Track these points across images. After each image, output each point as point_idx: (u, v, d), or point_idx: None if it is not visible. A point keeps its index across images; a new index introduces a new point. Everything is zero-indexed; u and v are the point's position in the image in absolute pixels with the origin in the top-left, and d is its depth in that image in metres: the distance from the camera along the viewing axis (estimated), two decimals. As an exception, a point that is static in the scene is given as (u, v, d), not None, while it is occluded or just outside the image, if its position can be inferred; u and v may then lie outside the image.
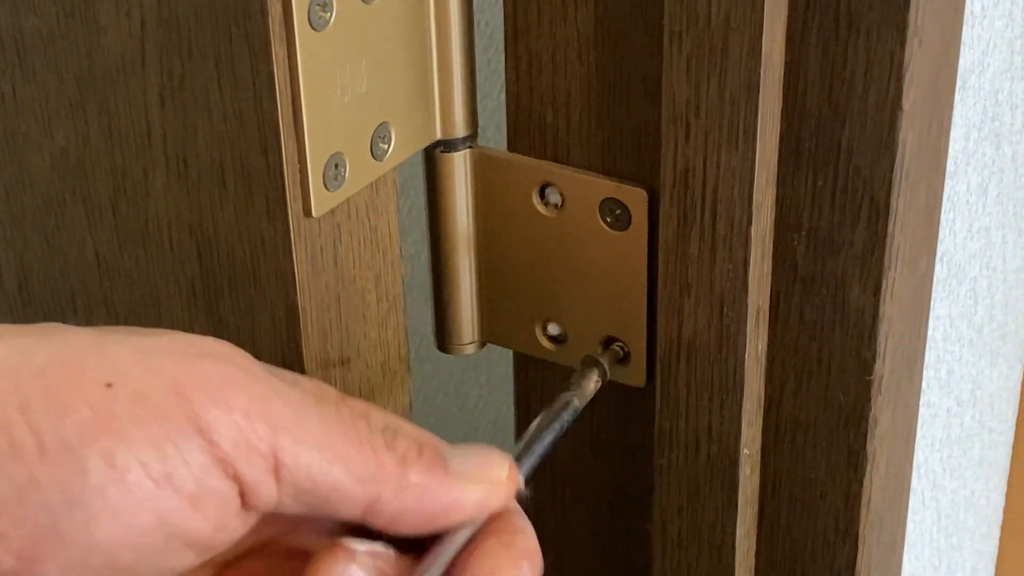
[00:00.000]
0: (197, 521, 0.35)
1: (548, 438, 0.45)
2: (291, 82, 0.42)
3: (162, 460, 0.34)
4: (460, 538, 0.38)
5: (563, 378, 0.49)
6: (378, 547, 0.37)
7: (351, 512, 0.37)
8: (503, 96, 0.54)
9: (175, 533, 0.34)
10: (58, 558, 0.33)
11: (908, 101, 0.42)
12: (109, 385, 0.34)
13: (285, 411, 0.36)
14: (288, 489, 0.36)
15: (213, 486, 0.34)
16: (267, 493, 0.35)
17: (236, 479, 0.35)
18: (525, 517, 0.39)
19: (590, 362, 0.49)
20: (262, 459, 0.35)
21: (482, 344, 0.54)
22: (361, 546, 0.37)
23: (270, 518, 0.37)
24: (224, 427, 0.34)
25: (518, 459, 0.43)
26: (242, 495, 0.35)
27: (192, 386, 0.35)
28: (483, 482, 0.38)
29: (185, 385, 0.34)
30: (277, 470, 0.35)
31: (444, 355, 0.55)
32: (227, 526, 0.35)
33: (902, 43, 0.41)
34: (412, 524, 0.37)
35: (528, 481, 0.43)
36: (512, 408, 0.56)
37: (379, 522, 0.37)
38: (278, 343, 0.46)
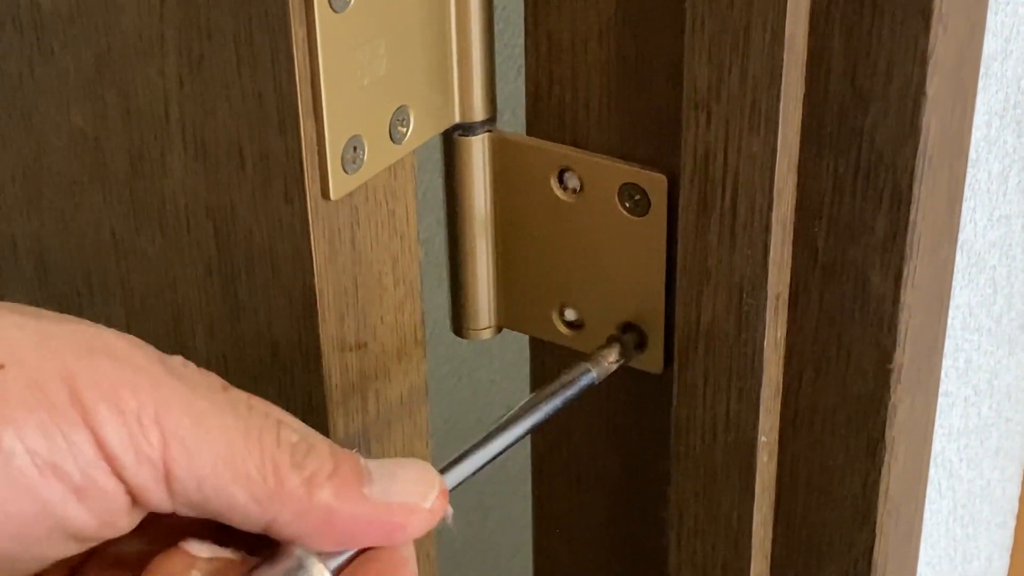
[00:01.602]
0: (83, 514, 0.34)
1: (553, 404, 0.45)
2: (310, 63, 0.42)
3: (49, 449, 0.33)
4: (339, 560, 0.36)
5: (569, 367, 0.49)
6: (223, 552, 0.36)
7: (250, 527, 0.35)
8: (520, 80, 0.54)
9: (59, 525, 0.34)
10: None
11: (932, 87, 0.42)
12: (1, 367, 0.33)
13: (183, 419, 0.34)
14: (181, 499, 0.34)
15: (100, 482, 0.33)
16: (158, 500, 0.34)
17: (123, 481, 0.34)
18: (411, 550, 0.37)
19: (612, 339, 0.48)
20: (151, 466, 0.34)
21: (498, 329, 0.54)
22: (203, 551, 0.36)
23: None
24: (113, 428, 0.33)
25: (518, 416, 0.43)
26: (131, 496, 0.34)
27: (86, 381, 0.33)
28: (403, 510, 0.36)
29: (79, 379, 0.33)
30: (168, 480, 0.34)
31: (457, 339, 0.55)
32: (115, 523, 0.35)
33: (927, 28, 0.41)
34: (319, 544, 0.36)
35: (530, 434, 0.42)
36: (524, 393, 0.56)
37: (282, 538, 0.36)
38: (294, 326, 0.46)
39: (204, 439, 0.34)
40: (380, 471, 0.37)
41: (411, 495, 0.37)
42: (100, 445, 0.33)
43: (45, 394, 0.33)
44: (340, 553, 0.36)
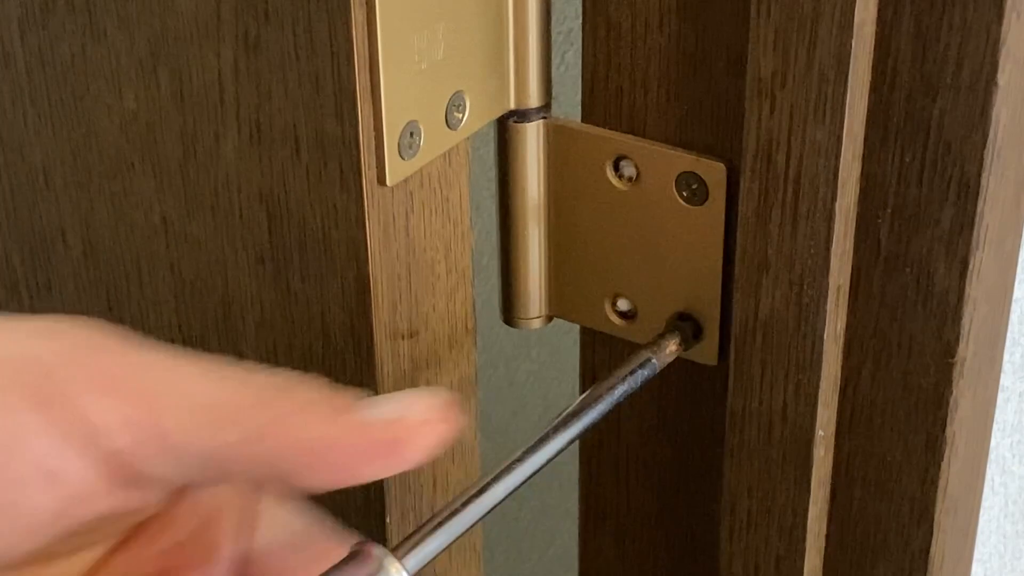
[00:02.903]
0: (50, 501, 0.33)
1: (618, 392, 0.45)
2: (369, 46, 0.41)
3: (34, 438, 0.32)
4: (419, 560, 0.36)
5: (631, 355, 0.48)
6: None
7: (254, 471, 0.34)
8: (563, 68, 0.53)
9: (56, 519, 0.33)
10: None
11: (1004, 76, 0.41)
12: None
13: (162, 378, 0.34)
14: (183, 461, 0.34)
15: (78, 466, 0.33)
16: (162, 468, 0.34)
17: (121, 457, 0.33)
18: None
19: (670, 327, 0.48)
20: (143, 431, 0.33)
21: (549, 319, 0.53)
22: None
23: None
24: (100, 408, 0.33)
25: (584, 407, 0.43)
26: (129, 472, 0.34)
27: (60, 365, 0.33)
28: (402, 426, 0.34)
29: (52, 364, 0.33)
30: (164, 442, 0.33)
31: (495, 329, 0.55)
32: (110, 500, 0.34)
33: (999, 16, 0.40)
34: (322, 478, 0.34)
35: (586, 439, 0.42)
36: (561, 385, 0.56)
37: (285, 480, 0.34)
38: (347, 313, 0.46)
39: (187, 392, 0.34)
40: (375, 399, 0.35)
41: (410, 411, 0.35)
42: (87, 424, 0.33)
43: (28, 386, 0.33)
44: (419, 553, 0.36)
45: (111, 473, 0.34)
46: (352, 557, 0.35)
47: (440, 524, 0.37)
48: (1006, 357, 0.59)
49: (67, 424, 0.33)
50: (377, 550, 0.35)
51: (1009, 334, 0.59)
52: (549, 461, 0.41)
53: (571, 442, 0.42)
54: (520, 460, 0.40)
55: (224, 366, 0.35)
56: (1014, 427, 0.65)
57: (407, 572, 0.35)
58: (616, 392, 0.44)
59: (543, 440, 0.41)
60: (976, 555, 0.65)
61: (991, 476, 0.64)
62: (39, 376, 0.33)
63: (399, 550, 0.36)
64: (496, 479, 0.40)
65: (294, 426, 0.34)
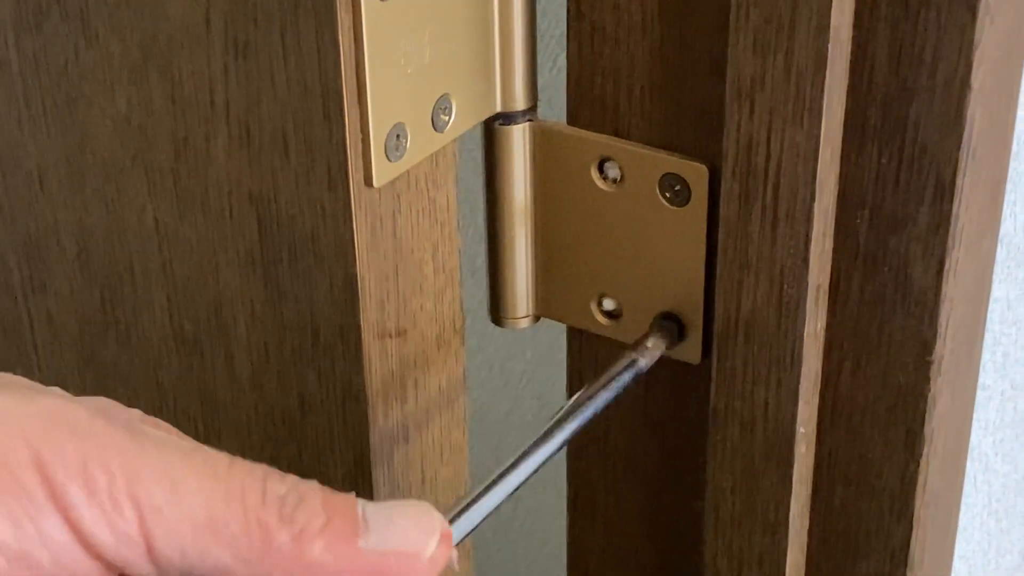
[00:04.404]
0: None
1: (606, 394, 0.45)
2: (356, 51, 0.42)
3: (18, 537, 0.31)
4: None
5: (616, 354, 0.49)
6: None
7: None
8: (554, 72, 0.54)
9: None
10: None
11: (977, 79, 0.42)
12: None
13: (156, 488, 0.33)
14: (167, 568, 0.33)
15: (74, 567, 0.32)
16: (144, 573, 0.33)
17: (101, 558, 0.33)
18: None
19: (654, 328, 0.48)
20: (131, 541, 0.32)
21: (536, 318, 0.54)
22: None
23: None
24: (86, 508, 0.32)
25: (573, 410, 0.43)
26: (114, 572, 0.33)
27: (54, 462, 0.32)
28: (400, 561, 0.34)
29: (46, 459, 0.32)
30: (150, 552, 0.33)
31: (489, 330, 0.55)
32: None
33: (973, 20, 0.41)
34: None
35: (574, 438, 0.43)
36: (556, 384, 0.56)
37: None
38: (336, 313, 0.46)
39: (181, 505, 0.33)
40: (377, 517, 0.34)
41: (410, 543, 0.35)
42: (75, 528, 0.32)
43: (13, 479, 0.32)
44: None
45: (100, 566, 0.33)
46: None
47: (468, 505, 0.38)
48: (988, 356, 0.60)
49: (68, 530, 0.32)
50: None
51: (990, 333, 0.60)
52: (541, 466, 0.41)
53: (564, 443, 0.43)
54: (514, 465, 0.41)
55: (227, 474, 0.34)
56: (996, 425, 0.66)
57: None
58: (604, 394, 0.45)
59: (535, 445, 0.42)
60: (960, 552, 0.65)
61: (974, 474, 0.64)
62: (41, 478, 0.32)
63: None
64: (493, 484, 0.41)
65: (291, 555, 0.33)
